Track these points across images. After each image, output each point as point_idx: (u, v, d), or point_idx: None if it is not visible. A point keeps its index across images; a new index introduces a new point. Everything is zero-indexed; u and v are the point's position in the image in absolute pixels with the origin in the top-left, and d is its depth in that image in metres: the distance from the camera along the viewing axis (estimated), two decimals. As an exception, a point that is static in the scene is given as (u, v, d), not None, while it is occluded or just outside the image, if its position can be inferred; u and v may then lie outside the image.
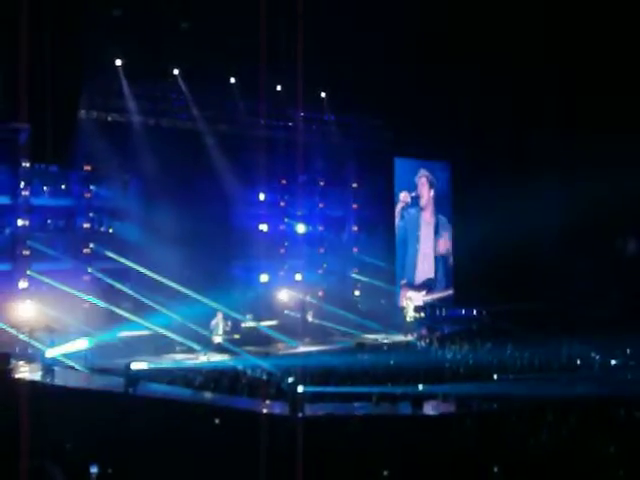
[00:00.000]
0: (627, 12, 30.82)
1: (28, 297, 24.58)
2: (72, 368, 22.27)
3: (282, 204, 32.49)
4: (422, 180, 35.66)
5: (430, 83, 32.01)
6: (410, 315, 31.14)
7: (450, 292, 36.02)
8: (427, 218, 35.99)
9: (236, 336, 26.85)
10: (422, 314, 32.12)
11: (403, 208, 35.02)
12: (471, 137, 34.73)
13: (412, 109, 32.23)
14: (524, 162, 34.61)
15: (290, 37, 24.03)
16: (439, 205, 36.25)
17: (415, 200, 35.40)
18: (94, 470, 12.13)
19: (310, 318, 30.45)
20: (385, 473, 12.97)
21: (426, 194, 35.80)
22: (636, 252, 34.99)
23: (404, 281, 34.85)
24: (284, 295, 31.03)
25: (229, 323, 26.33)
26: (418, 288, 35.18)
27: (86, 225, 27.29)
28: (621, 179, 31.61)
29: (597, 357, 24.00)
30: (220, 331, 25.96)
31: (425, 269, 35.81)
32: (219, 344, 25.78)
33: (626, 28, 31.02)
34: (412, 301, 31.63)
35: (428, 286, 35.67)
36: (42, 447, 12.53)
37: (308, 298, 31.07)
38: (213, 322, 25.97)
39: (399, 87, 31.58)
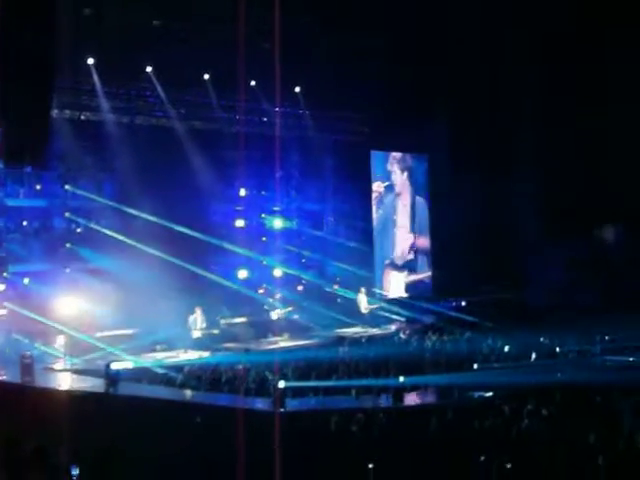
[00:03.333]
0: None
1: (5, 299, 24.46)
2: (51, 369, 22.22)
3: (259, 199, 32.45)
4: (394, 167, 35.75)
5: (406, 77, 32.07)
6: (365, 307, 30.99)
7: (429, 273, 36.28)
8: (403, 201, 36.13)
9: (215, 331, 26.80)
10: (378, 304, 31.86)
11: (378, 197, 35.10)
12: (448, 129, 34.80)
13: (388, 102, 32.27)
14: (502, 153, 34.73)
15: (265, 32, 23.96)
16: (416, 191, 36.39)
17: (390, 187, 35.50)
18: (75, 472, 12.05)
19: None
20: (370, 466, 12.97)
21: (399, 179, 35.88)
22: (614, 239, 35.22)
23: (387, 261, 35.11)
24: None
25: (204, 319, 26.32)
26: (400, 269, 35.42)
27: (62, 225, 27.15)
28: (598, 168, 31.86)
29: (576, 345, 24.14)
30: (199, 326, 25.93)
31: (404, 251, 36.01)
32: (198, 339, 25.73)
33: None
34: (365, 294, 31.36)
35: (409, 267, 35.91)
36: (20, 449, 12.45)
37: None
38: (191, 318, 25.94)
39: (375, 81, 31.61)
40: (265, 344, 27.25)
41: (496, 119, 34.80)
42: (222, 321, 28.25)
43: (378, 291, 34.06)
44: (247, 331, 28.35)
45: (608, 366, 21.72)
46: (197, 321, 25.92)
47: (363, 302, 30.94)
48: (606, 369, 21.35)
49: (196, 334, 25.86)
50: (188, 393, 19.17)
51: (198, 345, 25.40)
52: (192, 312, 26.06)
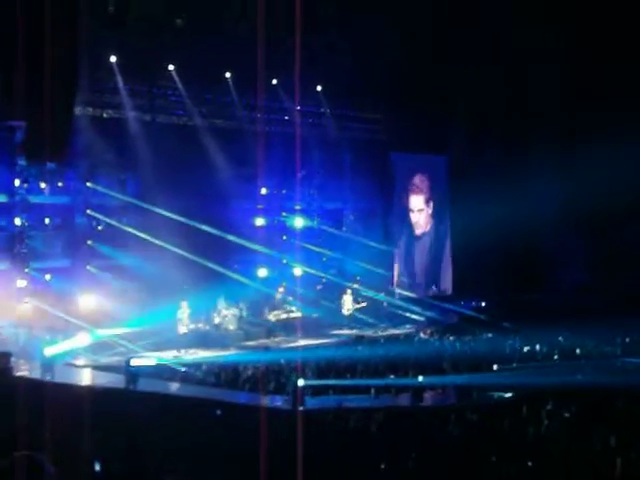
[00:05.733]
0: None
1: (27, 295, 24.62)
2: (72, 365, 22.36)
3: (280, 198, 32.48)
4: (417, 177, 35.84)
5: (426, 77, 32.07)
6: (348, 308, 30.78)
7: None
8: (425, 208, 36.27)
9: (200, 326, 26.77)
10: (363, 304, 31.66)
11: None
12: (468, 129, 34.75)
13: (408, 103, 32.28)
14: (522, 153, 34.62)
15: (286, 31, 24.03)
16: (435, 195, 36.42)
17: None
18: (97, 467, 12.17)
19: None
20: (383, 466, 13.00)
21: (424, 187, 35.97)
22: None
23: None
24: None
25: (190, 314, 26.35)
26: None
27: (84, 222, 27.27)
28: (619, 169, 31.65)
29: (596, 347, 24.05)
30: (185, 322, 26.03)
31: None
32: (184, 334, 25.81)
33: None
34: (350, 295, 31.21)
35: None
36: (42, 444, 12.55)
37: None
38: (179, 312, 26.01)
39: (395, 81, 31.63)
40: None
41: (516, 120, 34.72)
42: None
43: (398, 291, 34.10)
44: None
45: (628, 368, 21.61)
46: (183, 316, 26.01)
47: (347, 303, 30.78)
48: (626, 371, 21.24)
49: (182, 329, 25.94)
50: (208, 390, 19.25)
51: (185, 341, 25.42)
52: (215, 307, 26.23)
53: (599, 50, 31.77)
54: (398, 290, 34.27)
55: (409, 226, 35.73)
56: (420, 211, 35.96)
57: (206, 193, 28.00)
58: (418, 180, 35.81)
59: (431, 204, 36.09)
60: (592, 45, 31.74)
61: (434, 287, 35.83)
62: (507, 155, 34.69)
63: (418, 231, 35.95)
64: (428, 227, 36.15)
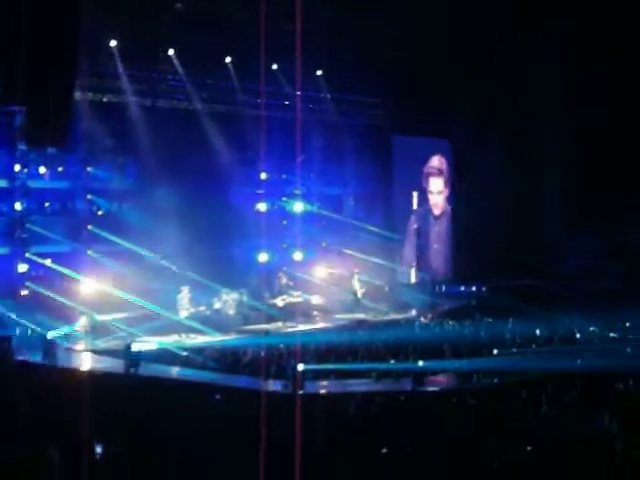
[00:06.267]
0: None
1: (28, 280, 24.66)
2: (73, 349, 22.40)
3: (280, 183, 32.44)
4: (437, 159, 35.86)
5: (427, 61, 31.97)
6: (360, 292, 30.69)
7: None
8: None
9: (201, 309, 26.80)
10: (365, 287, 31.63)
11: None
12: (470, 114, 34.64)
13: (409, 87, 32.20)
14: (525, 139, 34.55)
15: (287, 15, 23.93)
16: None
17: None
18: (98, 449, 12.20)
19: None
20: (384, 450, 12.99)
21: (444, 169, 36.00)
22: None
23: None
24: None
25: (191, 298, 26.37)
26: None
27: (84, 207, 27.27)
28: (621, 157, 31.64)
29: (596, 330, 24.07)
30: (185, 306, 26.03)
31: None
32: (186, 319, 25.83)
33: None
34: (357, 280, 31.08)
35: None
36: (43, 428, 12.59)
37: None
38: (179, 296, 26.01)
39: (396, 65, 31.54)
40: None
41: (520, 104, 34.59)
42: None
43: (401, 275, 34.21)
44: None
45: (629, 352, 21.63)
46: (184, 300, 26.01)
47: (357, 287, 30.71)
48: (627, 355, 21.27)
49: (183, 313, 25.95)
50: (209, 374, 19.27)
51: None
52: (216, 294, 26.21)
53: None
54: (403, 274, 34.34)
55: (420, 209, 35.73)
56: (439, 193, 35.89)
57: (206, 178, 27.98)
58: (438, 162, 35.75)
59: (449, 186, 36.07)
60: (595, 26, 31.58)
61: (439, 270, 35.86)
62: (511, 139, 34.63)
63: (437, 212, 35.94)
64: (446, 208, 36.18)
